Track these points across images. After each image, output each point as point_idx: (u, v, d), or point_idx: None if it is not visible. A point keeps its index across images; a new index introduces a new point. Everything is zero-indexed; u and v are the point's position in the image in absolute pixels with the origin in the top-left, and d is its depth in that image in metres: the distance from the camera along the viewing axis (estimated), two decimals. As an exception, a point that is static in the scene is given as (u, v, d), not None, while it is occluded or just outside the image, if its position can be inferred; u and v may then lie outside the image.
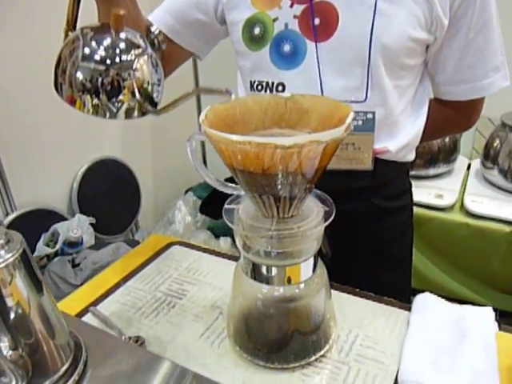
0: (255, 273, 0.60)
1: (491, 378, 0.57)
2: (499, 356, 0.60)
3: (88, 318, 0.72)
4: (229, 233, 2.08)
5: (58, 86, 0.59)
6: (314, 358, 0.62)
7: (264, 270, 0.59)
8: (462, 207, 1.56)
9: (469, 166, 1.82)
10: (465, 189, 1.65)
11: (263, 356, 0.62)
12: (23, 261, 0.43)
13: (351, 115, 0.51)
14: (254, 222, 0.57)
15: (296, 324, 0.62)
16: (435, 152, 1.63)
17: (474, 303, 0.70)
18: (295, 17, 0.73)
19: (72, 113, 0.62)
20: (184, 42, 0.83)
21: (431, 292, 0.73)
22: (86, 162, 1.80)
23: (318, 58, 0.72)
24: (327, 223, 0.56)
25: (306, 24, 0.72)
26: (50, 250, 1.54)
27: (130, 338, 0.66)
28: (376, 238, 0.84)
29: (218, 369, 0.62)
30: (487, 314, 0.67)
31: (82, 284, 1.51)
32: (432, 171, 1.67)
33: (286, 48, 0.74)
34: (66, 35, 0.61)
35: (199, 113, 2.37)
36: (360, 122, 0.74)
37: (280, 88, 0.76)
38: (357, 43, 0.70)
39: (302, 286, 0.60)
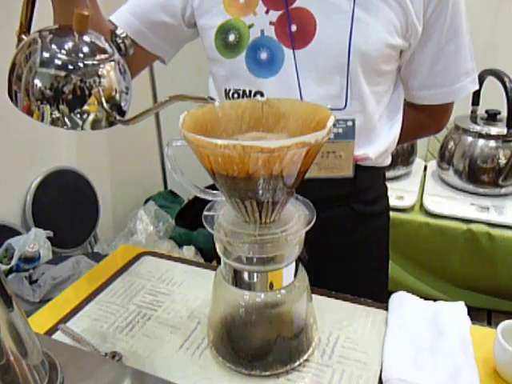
0: (236, 279, 0.59)
1: (470, 371, 0.58)
2: (474, 349, 0.62)
3: (58, 337, 0.68)
4: (191, 241, 2.05)
5: (12, 94, 0.54)
6: (298, 362, 0.61)
7: (246, 276, 0.58)
8: (422, 207, 1.61)
9: (425, 168, 1.89)
10: (423, 190, 1.71)
11: (247, 364, 0.60)
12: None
13: (332, 118, 0.51)
14: (236, 227, 0.56)
15: (279, 329, 0.61)
16: (394, 155, 1.68)
17: (436, 300, 0.72)
18: (271, 23, 0.71)
19: (24, 120, 0.57)
20: (149, 45, 0.80)
21: (395, 291, 0.74)
22: (39, 172, 1.72)
23: (296, 65, 0.71)
24: (309, 227, 0.56)
25: (282, 31, 0.71)
26: (4, 267, 1.46)
27: (106, 355, 0.63)
28: (357, 242, 0.84)
29: (201, 380, 0.60)
30: (460, 309, 0.69)
31: (40, 301, 1.45)
32: (391, 173, 1.72)
33: (263, 55, 0.72)
34: (20, 39, 0.56)
35: (157, 120, 2.32)
36: (340, 130, 0.74)
37: (259, 96, 0.74)
38: (336, 51, 0.69)
39: (283, 291, 0.60)
